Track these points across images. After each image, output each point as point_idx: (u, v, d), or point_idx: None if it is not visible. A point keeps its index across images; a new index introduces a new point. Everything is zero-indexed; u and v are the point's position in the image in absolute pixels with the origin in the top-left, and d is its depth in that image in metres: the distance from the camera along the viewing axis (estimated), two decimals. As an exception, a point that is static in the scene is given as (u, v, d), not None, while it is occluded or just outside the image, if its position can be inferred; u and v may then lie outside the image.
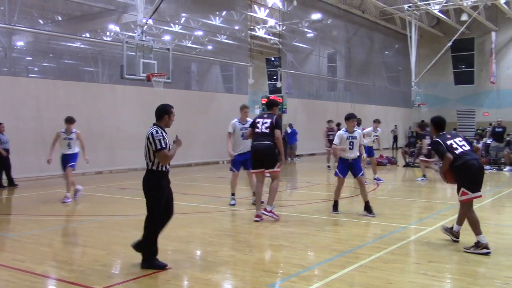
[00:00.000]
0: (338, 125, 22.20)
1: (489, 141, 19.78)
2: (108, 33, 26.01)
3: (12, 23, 16.70)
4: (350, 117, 9.27)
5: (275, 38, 30.74)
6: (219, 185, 13.98)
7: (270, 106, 9.17)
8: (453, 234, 6.87)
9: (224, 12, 26.69)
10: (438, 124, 6.93)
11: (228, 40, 28.13)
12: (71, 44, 25.15)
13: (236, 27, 27.48)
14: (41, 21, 22.21)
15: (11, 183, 13.96)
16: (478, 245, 6.30)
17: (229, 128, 10.03)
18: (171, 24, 25.74)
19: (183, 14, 25.16)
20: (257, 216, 8.65)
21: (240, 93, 25.32)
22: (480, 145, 19.43)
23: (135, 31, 15.95)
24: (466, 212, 6.55)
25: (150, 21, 16.56)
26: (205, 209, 10.20)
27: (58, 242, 7.54)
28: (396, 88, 37.14)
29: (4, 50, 19.13)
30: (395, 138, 33.07)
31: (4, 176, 13.89)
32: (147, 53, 15.27)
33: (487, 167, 18.37)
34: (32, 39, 22.47)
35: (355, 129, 9.25)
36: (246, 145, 9.57)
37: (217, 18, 27.01)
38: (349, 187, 12.41)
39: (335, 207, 9.33)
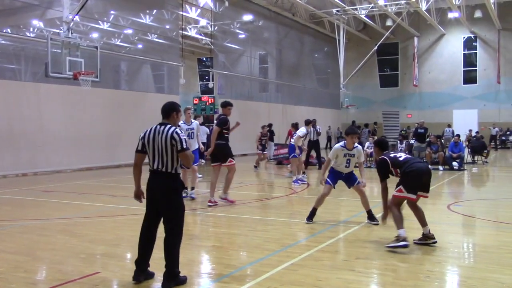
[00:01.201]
0: (270, 125, 22.51)
1: (412, 141, 20.70)
2: (31, 29, 24.88)
3: None
4: (350, 132, 8.26)
5: (207, 38, 30.68)
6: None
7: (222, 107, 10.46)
8: (428, 237, 6.77)
9: (155, 11, 26.29)
10: (383, 145, 7.33)
11: (159, 39, 27.73)
12: (-10, 40, 23.84)
13: (167, 26, 27.14)
14: (-44, 14, 20.91)
15: None
16: (398, 238, 6.50)
17: None
18: (100, 22, 25.00)
19: (112, 12, 24.54)
20: (209, 201, 10.16)
21: (172, 93, 24.99)
22: (403, 146, 20.31)
23: (61, 27, 15.34)
24: (392, 207, 6.72)
25: (76, 18, 15.99)
26: (134, 211, 9.98)
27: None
28: (325, 90, 38.11)
29: None
30: (329, 139, 33.87)
31: None
32: (74, 51, 14.75)
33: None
34: None
35: (355, 145, 8.24)
36: (193, 145, 11.05)
37: (148, 16, 26.56)
38: (282, 187, 12.54)
39: (312, 215, 8.34)
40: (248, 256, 6.46)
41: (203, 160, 17.51)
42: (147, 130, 5.26)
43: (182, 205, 5.21)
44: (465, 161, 19.69)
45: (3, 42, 24.18)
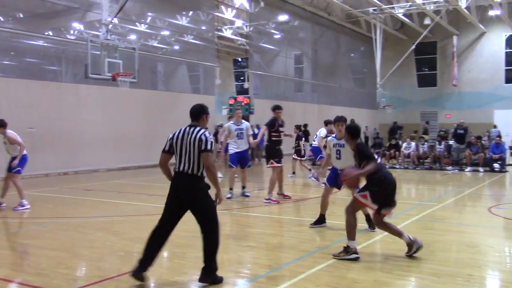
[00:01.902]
0: (305, 126, 22.42)
1: (451, 142, 20.26)
2: (72, 32, 25.47)
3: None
4: (337, 120, 7.91)
5: (242, 39, 30.75)
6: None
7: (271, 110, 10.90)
8: (411, 245, 6.18)
9: (191, 12, 26.53)
10: (355, 132, 6.47)
11: (195, 40, 27.97)
12: (34, 42, 24.47)
13: (203, 28, 27.35)
14: (1, 18, 21.58)
15: None
16: (347, 250, 6.08)
17: (225, 131, 11.66)
18: (137, 23, 25.41)
19: (149, 13, 24.88)
20: (268, 199, 10.65)
21: (207, 93, 25.21)
22: (442, 147, 19.89)
23: (100, 29, 15.67)
24: (349, 212, 6.21)
25: (115, 20, 16.31)
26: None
27: (20, 245, 7.33)
28: (361, 90, 37.67)
29: (-38, 48, 18.55)
30: (366, 139, 33.45)
31: None
32: (112, 52, 15.03)
33: (449, 167, 18.85)
34: (-8, 37, 21.82)
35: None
36: (241, 144, 11.21)
37: (184, 18, 26.83)
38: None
39: (319, 221, 8.01)
40: (284, 257, 6.44)
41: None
42: (176, 131, 5.30)
43: (212, 202, 5.20)
44: (507, 163, 19.14)
45: (45, 44, 24.83)
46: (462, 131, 19.39)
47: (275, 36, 31.95)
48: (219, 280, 5.19)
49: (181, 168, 5.15)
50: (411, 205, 8.63)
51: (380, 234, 7.60)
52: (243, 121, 11.63)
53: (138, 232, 7.72)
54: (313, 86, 33.23)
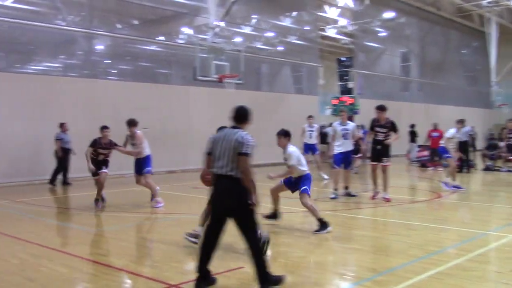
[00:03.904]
0: (413, 126, 21.66)
1: None
2: (181, 36, 26.67)
3: (92, 28, 17.54)
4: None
5: (346, 38, 30.33)
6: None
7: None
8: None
9: (294, 13, 26.64)
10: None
11: (298, 41, 28.05)
12: (147, 47, 25.99)
13: (306, 28, 27.35)
14: (118, 25, 23.12)
15: (65, 182, 14.69)
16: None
17: (331, 131, 12.24)
18: (242, 26, 26.02)
19: (254, 16, 25.36)
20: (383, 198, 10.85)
21: (311, 94, 25.20)
22: None
23: (207, 33, 16.26)
24: None
25: (222, 23, 16.83)
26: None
27: (136, 238, 7.81)
28: (473, 88, 35.57)
29: (85, 54, 20.14)
30: (473, 140, 31.59)
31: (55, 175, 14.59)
32: (219, 55, 15.51)
33: None
34: (110, 43, 23.43)
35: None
36: (346, 145, 11.32)
37: (287, 19, 27.01)
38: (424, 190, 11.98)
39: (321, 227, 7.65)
40: (390, 261, 6.25)
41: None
42: (217, 134, 5.26)
43: (249, 205, 4.98)
44: None
45: (156, 49, 26.26)
46: None
47: (380, 34, 31.13)
48: (278, 281, 5.04)
49: (220, 171, 5.05)
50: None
51: (494, 242, 7.14)
52: (349, 121, 11.72)
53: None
54: (420, 85, 31.97)
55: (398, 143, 12.23)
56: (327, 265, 6.03)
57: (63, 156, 14.40)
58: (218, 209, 5.14)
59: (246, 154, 4.96)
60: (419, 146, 21.60)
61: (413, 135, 22.38)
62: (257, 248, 5.03)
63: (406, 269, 5.73)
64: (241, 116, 5.23)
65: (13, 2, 18.85)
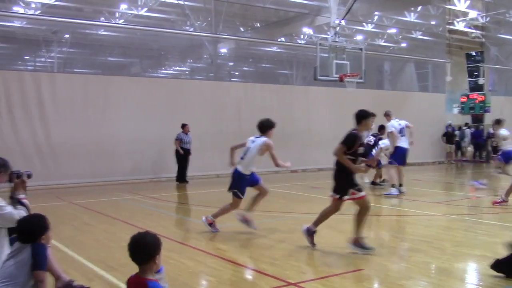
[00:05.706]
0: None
1: None
2: (302, 36, 26.87)
3: (217, 32, 18.32)
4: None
5: (477, 31, 28.41)
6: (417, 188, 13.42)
7: None
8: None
9: (420, 7, 25.54)
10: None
11: (423, 36, 26.85)
12: (268, 49, 26.63)
13: (433, 22, 26.10)
14: (241, 29, 23.90)
15: (183, 180, 15.42)
16: None
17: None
18: (364, 24, 25.52)
19: (376, 13, 24.75)
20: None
21: (437, 91, 24.05)
22: None
23: (328, 32, 16.19)
24: None
25: (342, 22, 16.66)
26: (395, 212, 10.02)
27: (257, 236, 8.00)
28: None
29: (210, 57, 21.12)
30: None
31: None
32: (340, 54, 15.35)
33: None
34: (234, 46, 24.32)
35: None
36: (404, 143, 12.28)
37: (412, 14, 25.97)
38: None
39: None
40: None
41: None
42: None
43: None
44: None
45: (278, 50, 26.77)
46: None
47: (517, 25, 28.70)
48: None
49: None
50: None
51: None
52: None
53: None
54: None
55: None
56: (455, 272, 5.70)
57: (183, 156, 15.24)
58: None
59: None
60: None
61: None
62: None
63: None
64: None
65: (146, 12, 20.33)
